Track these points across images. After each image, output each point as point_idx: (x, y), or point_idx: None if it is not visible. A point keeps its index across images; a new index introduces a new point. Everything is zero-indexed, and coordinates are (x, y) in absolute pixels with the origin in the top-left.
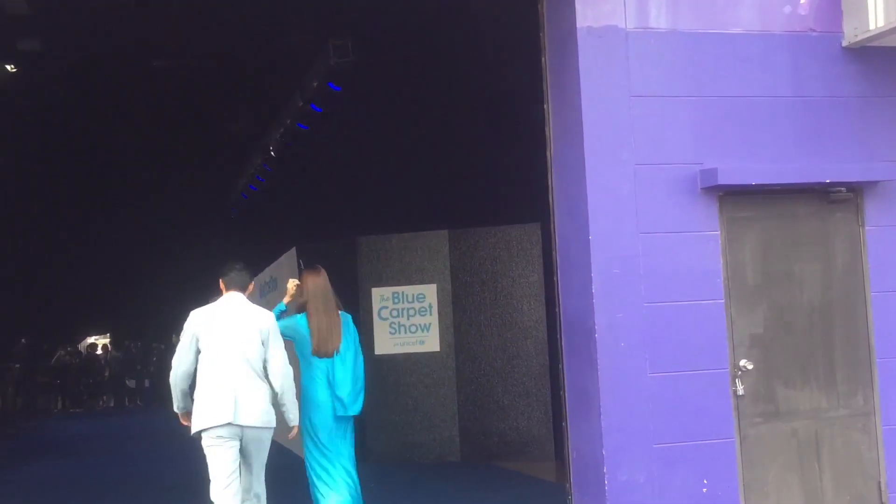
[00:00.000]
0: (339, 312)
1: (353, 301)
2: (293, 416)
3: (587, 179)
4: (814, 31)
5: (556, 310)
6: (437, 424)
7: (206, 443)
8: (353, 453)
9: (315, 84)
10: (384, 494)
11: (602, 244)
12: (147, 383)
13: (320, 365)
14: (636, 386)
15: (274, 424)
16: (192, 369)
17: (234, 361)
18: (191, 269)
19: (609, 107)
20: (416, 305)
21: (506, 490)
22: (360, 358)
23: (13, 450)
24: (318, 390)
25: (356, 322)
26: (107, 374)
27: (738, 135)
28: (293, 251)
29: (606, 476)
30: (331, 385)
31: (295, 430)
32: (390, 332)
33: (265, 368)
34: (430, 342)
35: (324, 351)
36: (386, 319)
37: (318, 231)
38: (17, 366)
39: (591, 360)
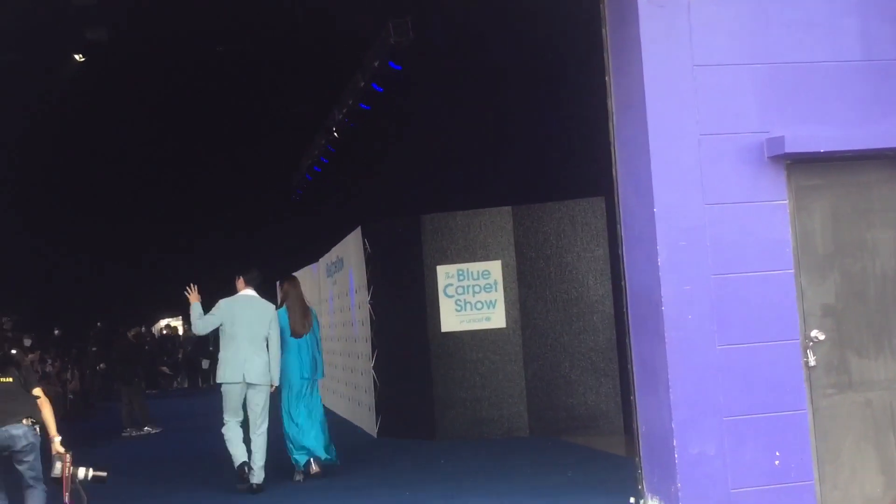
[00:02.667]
0: (310, 308)
1: (419, 279)
2: (276, 377)
3: (651, 151)
4: None
5: (622, 283)
6: (504, 400)
7: (225, 389)
8: (321, 408)
9: (376, 64)
10: (454, 470)
11: (667, 216)
12: None
13: (293, 343)
14: (705, 358)
15: (269, 382)
16: (212, 330)
17: (247, 337)
18: (258, 251)
19: (672, 77)
20: (482, 282)
21: (575, 465)
22: (319, 341)
23: (91, 430)
24: (291, 360)
25: (420, 300)
26: (180, 355)
27: (806, 101)
28: (358, 231)
29: (676, 449)
30: (300, 356)
31: (273, 387)
32: (456, 310)
33: (266, 342)
34: (496, 319)
35: (298, 332)
36: (451, 297)
37: (382, 210)
38: (94, 349)
39: (659, 334)
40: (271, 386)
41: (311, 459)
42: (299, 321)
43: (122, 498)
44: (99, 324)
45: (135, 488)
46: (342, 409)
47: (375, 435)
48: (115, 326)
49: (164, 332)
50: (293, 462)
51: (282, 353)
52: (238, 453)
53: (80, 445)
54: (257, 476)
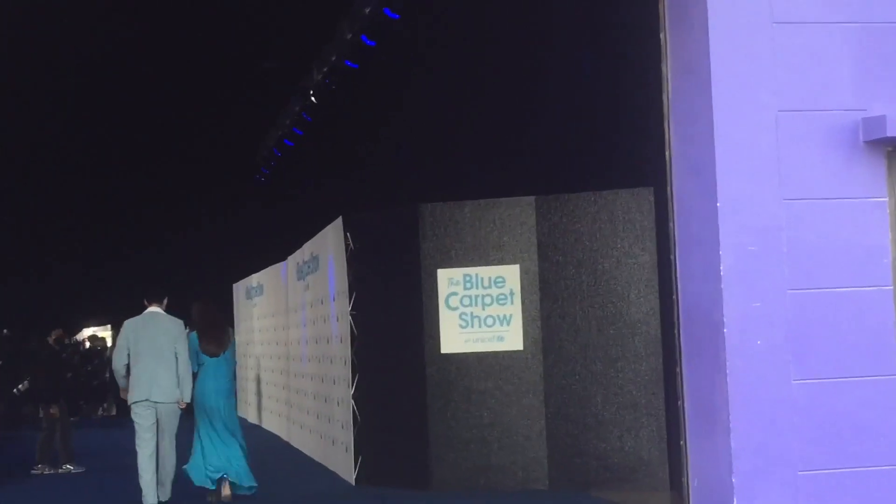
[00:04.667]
0: (226, 329)
1: (414, 285)
2: (186, 394)
3: (715, 130)
4: None
5: (674, 298)
6: (519, 443)
7: (133, 409)
8: (237, 422)
9: (367, 10)
10: None
11: (734, 213)
12: None
13: (209, 362)
14: (776, 395)
15: (176, 399)
16: (127, 361)
17: (152, 355)
18: (213, 242)
19: (745, 37)
20: (494, 292)
21: None
22: (234, 361)
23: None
24: (206, 379)
25: (415, 312)
26: (108, 374)
27: None
28: (339, 223)
29: None
30: (214, 376)
31: (182, 404)
32: (461, 326)
33: (176, 358)
34: (512, 338)
35: (211, 352)
36: (455, 309)
37: (369, 197)
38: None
39: (719, 363)
40: (180, 402)
41: (225, 481)
42: (211, 341)
43: None
44: (5, 331)
45: None
46: (311, 449)
47: (353, 482)
48: (29, 332)
49: (88, 344)
50: (203, 484)
51: (197, 373)
52: (147, 493)
53: None
54: (164, 493)
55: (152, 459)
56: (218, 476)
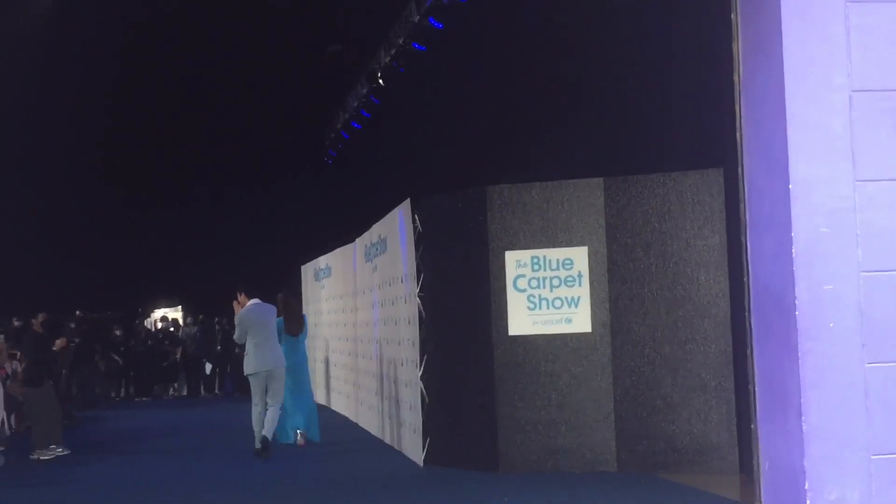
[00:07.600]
0: (302, 314)
1: (482, 267)
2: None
3: (787, 111)
4: None
5: (744, 280)
6: (587, 425)
7: (252, 380)
8: (310, 388)
9: None
10: None
11: (806, 195)
12: (228, 368)
13: (289, 339)
14: (849, 378)
15: (284, 364)
16: (245, 339)
17: (264, 336)
18: (281, 224)
19: (818, 15)
20: (562, 273)
21: None
22: (306, 340)
23: (66, 445)
24: (287, 353)
25: (483, 294)
26: (178, 355)
27: None
28: (407, 205)
29: (808, 494)
30: (294, 350)
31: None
32: (529, 308)
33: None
34: (580, 320)
35: (289, 332)
36: (523, 291)
37: (437, 179)
38: (73, 343)
39: (790, 345)
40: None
41: (299, 432)
42: (294, 326)
43: None
44: (78, 312)
45: None
46: (379, 430)
47: (421, 463)
48: (103, 313)
49: (160, 324)
50: (286, 440)
51: (282, 347)
52: (258, 440)
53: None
54: (269, 431)
55: (261, 417)
56: (295, 430)
